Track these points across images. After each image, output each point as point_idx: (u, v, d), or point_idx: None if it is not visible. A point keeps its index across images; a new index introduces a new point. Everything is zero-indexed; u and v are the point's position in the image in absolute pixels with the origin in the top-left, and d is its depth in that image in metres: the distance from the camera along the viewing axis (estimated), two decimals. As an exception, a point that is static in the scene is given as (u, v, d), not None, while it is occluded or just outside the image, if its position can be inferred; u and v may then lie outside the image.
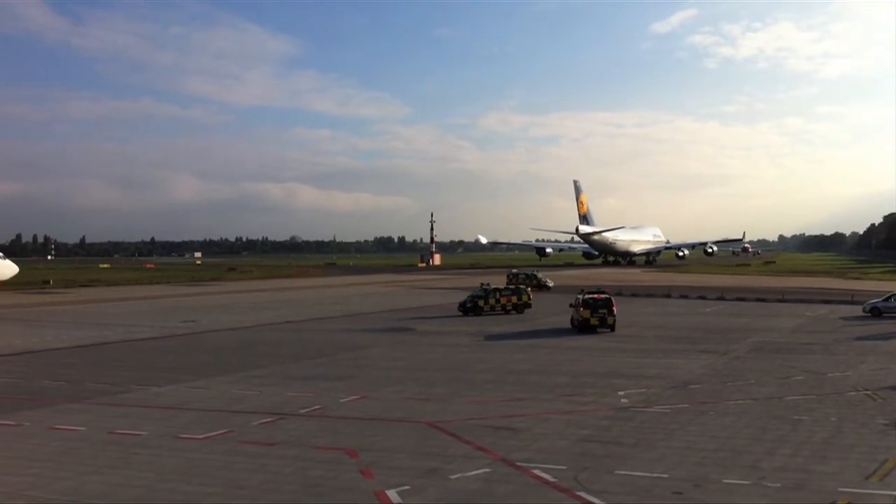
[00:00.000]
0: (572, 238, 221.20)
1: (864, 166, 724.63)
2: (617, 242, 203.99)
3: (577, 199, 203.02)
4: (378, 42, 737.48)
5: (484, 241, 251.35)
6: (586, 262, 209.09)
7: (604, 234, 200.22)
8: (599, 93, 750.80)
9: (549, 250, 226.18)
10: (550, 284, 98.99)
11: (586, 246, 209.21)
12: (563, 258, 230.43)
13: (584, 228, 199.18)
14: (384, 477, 19.29)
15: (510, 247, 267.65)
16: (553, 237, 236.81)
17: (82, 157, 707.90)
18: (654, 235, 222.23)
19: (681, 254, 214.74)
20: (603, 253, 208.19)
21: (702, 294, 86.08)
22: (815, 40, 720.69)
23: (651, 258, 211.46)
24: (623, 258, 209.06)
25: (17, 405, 29.20)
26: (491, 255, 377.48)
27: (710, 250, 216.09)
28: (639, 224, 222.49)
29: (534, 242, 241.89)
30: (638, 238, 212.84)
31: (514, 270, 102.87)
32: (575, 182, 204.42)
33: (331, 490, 18.56)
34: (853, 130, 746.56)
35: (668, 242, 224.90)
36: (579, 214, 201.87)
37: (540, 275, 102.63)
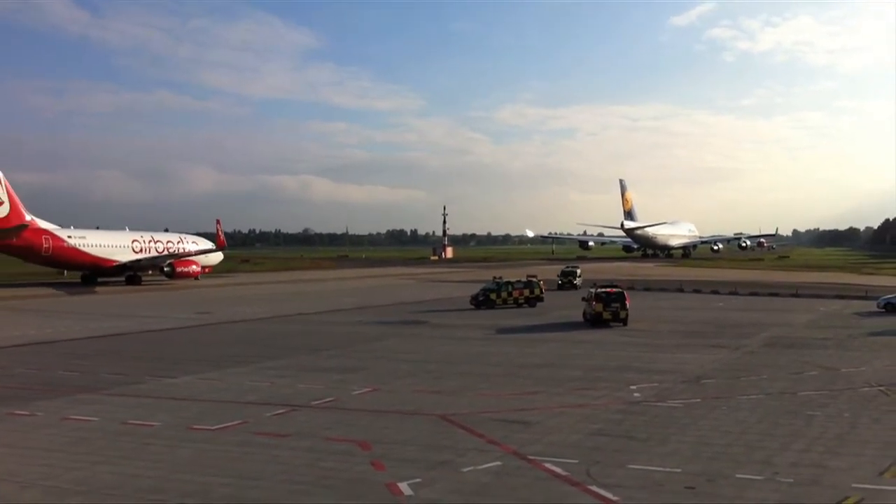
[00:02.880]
0: (585, 231, 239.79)
1: (880, 161, 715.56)
2: (657, 237, 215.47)
3: (623, 196, 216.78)
4: (395, 35, 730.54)
5: (531, 234, 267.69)
6: (624, 255, 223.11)
7: (646, 229, 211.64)
8: (616, 86, 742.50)
9: (591, 244, 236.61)
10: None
11: (627, 240, 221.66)
12: (603, 251, 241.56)
13: (629, 224, 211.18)
14: (396, 469, 19.32)
15: (556, 240, 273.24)
16: (591, 231, 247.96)
17: (101, 150, 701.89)
18: (689, 230, 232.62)
19: (715, 248, 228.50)
20: (643, 247, 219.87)
21: (714, 289, 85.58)
22: (835, 34, 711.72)
23: (687, 251, 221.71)
24: (662, 251, 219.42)
25: (32, 395, 29.40)
26: (503, 249, 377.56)
27: (744, 244, 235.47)
28: (675, 220, 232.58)
29: (577, 236, 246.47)
30: (675, 233, 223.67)
31: (567, 266, 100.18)
32: (621, 181, 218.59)
33: (343, 482, 18.61)
34: (870, 125, 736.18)
35: (702, 237, 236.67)
36: (624, 210, 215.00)
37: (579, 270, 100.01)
